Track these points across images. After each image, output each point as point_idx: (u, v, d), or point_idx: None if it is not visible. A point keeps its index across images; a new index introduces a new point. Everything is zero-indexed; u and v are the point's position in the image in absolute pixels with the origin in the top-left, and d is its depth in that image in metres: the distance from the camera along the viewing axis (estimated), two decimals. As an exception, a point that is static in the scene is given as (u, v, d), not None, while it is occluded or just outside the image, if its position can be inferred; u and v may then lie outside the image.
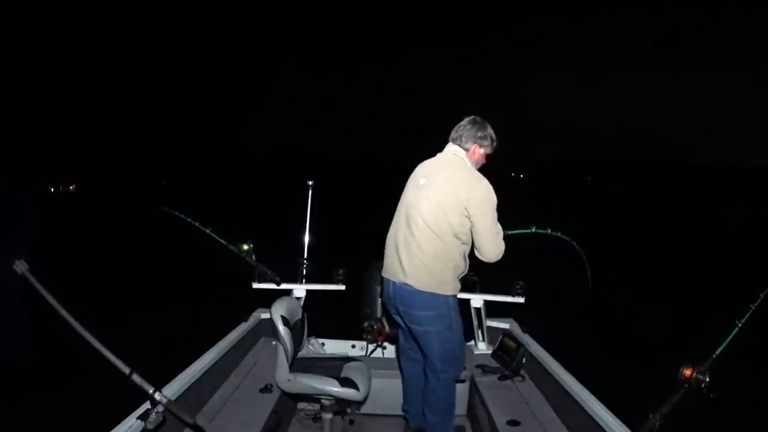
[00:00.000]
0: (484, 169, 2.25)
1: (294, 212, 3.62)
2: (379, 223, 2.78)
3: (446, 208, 2.05)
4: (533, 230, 2.99)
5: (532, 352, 2.77)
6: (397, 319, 2.29)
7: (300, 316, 2.39)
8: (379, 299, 3.08)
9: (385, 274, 2.24)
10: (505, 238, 2.18)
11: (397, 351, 2.59)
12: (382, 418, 2.75)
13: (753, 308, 2.02)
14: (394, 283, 2.17)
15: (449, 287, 2.13)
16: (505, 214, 2.15)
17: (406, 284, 2.11)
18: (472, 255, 2.18)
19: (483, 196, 2.06)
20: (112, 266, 10.81)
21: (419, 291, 2.08)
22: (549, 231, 3.03)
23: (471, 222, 2.06)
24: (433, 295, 2.09)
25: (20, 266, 1.69)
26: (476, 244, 2.11)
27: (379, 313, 3.10)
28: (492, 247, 2.09)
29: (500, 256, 2.13)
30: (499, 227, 2.12)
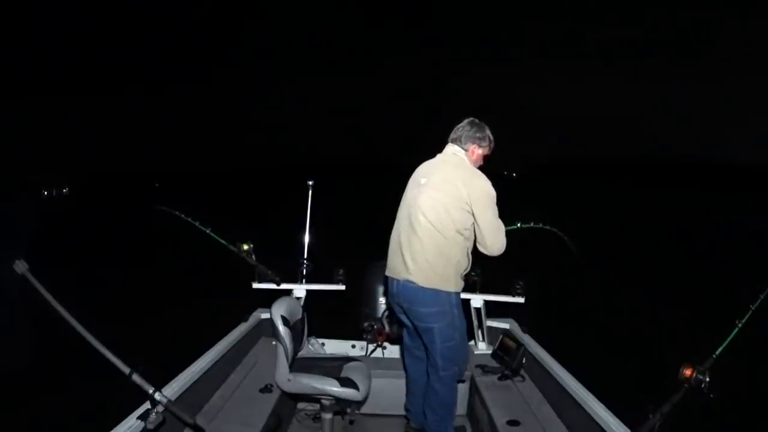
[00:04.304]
0: (479, 169, 2.28)
1: (294, 212, 3.63)
2: (379, 223, 2.78)
3: (448, 204, 2.09)
4: (519, 226, 3.02)
5: (532, 352, 2.77)
6: (402, 317, 2.32)
7: (300, 316, 2.39)
8: (380, 299, 3.09)
9: (389, 272, 2.28)
10: None
11: (402, 350, 2.60)
12: (382, 418, 2.75)
13: (753, 308, 2.03)
14: (398, 281, 2.21)
15: (451, 284, 2.16)
16: (500, 214, 2.17)
17: (409, 281, 2.14)
18: (474, 252, 2.21)
19: (483, 191, 2.11)
20: (112, 266, 10.79)
21: (422, 288, 2.12)
22: (531, 224, 3.07)
23: (474, 217, 2.10)
24: (436, 292, 2.12)
25: (20, 266, 1.69)
26: (479, 238, 2.15)
27: (379, 313, 3.11)
28: (494, 240, 2.13)
29: (503, 250, 2.18)
30: (501, 222, 2.16)
